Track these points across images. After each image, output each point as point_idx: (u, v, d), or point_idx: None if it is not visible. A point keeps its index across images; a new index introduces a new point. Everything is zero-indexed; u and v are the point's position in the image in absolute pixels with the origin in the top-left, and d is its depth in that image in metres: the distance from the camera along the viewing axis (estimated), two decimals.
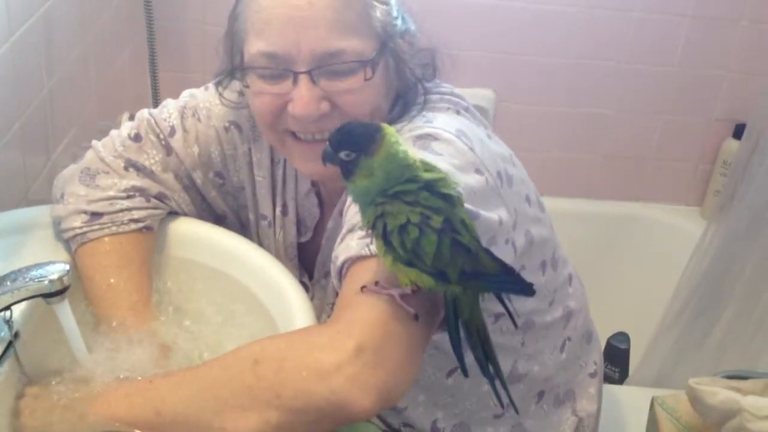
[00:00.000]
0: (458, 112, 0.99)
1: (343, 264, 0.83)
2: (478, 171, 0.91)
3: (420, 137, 0.91)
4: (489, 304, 0.99)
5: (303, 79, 0.90)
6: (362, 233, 0.82)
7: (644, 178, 2.01)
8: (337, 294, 1.06)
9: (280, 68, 0.91)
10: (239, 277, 1.03)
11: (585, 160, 1.99)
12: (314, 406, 0.74)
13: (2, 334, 0.86)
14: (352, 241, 0.82)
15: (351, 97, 0.92)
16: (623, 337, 1.75)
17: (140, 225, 1.02)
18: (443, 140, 0.91)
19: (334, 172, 0.99)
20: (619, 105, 1.93)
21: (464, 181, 0.88)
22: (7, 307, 0.85)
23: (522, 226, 0.99)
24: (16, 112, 1.17)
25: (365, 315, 0.77)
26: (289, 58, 0.90)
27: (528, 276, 1.02)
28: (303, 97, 0.91)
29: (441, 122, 0.94)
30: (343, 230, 0.86)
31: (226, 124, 1.08)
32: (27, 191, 1.25)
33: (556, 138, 1.95)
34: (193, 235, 1.07)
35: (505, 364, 1.07)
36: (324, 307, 1.10)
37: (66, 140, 1.39)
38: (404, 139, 0.91)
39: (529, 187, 1.05)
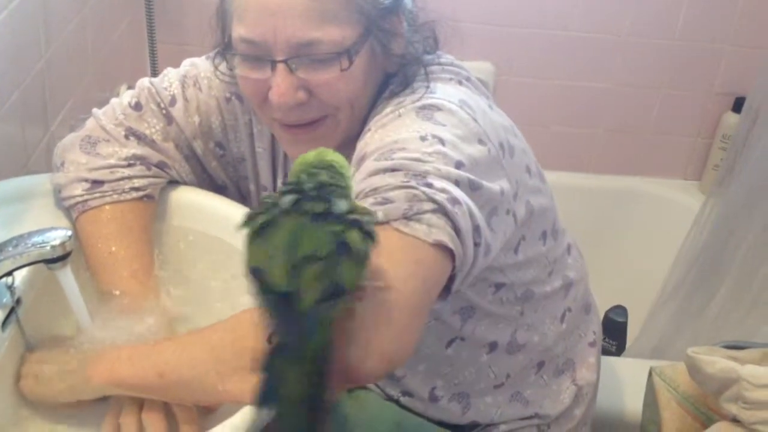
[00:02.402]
0: (460, 83, 0.99)
1: None
2: (480, 141, 0.91)
3: (423, 108, 0.91)
4: (489, 274, 1.00)
5: (280, 68, 0.90)
6: (371, 200, 0.82)
7: (643, 152, 2.01)
8: None
9: (258, 55, 0.91)
10: (239, 245, 1.03)
11: (584, 134, 1.99)
12: None
13: (4, 300, 0.87)
14: None
15: (328, 87, 0.91)
16: (621, 310, 1.76)
17: (141, 193, 1.02)
18: (446, 110, 0.91)
19: None
20: (618, 79, 1.93)
21: (467, 151, 0.88)
22: (9, 273, 0.85)
23: (523, 196, 0.99)
24: (13, 82, 1.16)
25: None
26: (266, 46, 0.90)
27: (529, 246, 1.03)
28: (279, 86, 0.90)
29: (443, 93, 0.94)
30: None
31: (228, 95, 1.07)
32: (26, 162, 1.25)
33: (555, 112, 1.95)
34: (194, 203, 1.07)
35: (504, 335, 1.07)
36: None
37: (64, 111, 1.38)
38: (407, 110, 0.91)
39: (530, 157, 1.05)
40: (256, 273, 0.66)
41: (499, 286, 1.03)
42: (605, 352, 1.64)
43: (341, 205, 0.68)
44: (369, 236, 0.68)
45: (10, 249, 0.83)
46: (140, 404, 0.81)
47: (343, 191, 0.70)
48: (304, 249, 0.65)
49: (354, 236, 0.67)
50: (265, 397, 0.64)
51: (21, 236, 0.85)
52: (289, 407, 0.63)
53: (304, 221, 0.66)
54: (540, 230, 1.06)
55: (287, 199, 0.67)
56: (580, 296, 1.16)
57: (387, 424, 1.07)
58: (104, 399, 0.82)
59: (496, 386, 1.10)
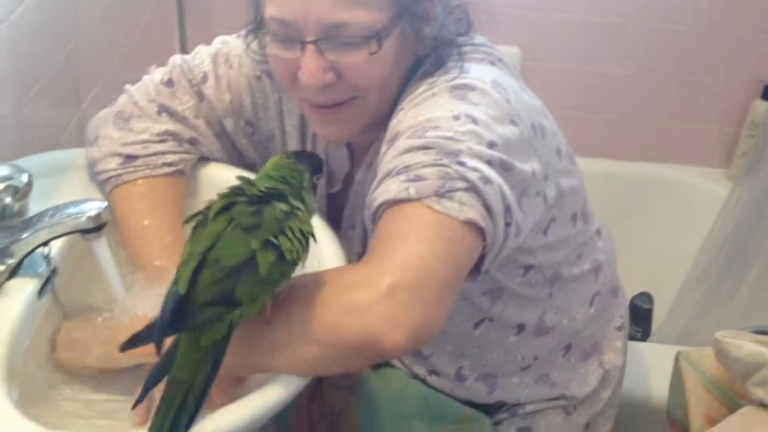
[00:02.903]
0: (493, 63, 0.99)
1: (379, 206, 0.83)
2: (513, 122, 0.91)
3: (456, 87, 0.91)
4: (518, 255, 1.00)
5: (309, 49, 0.90)
6: (403, 177, 0.82)
7: (670, 139, 1.99)
8: (363, 245, 1.08)
9: (289, 35, 0.91)
10: None
11: (611, 120, 1.98)
12: (347, 341, 0.75)
13: (41, 269, 0.88)
14: (392, 184, 0.83)
15: (356, 69, 0.91)
16: (646, 297, 1.75)
17: (173, 169, 1.03)
18: (479, 90, 0.91)
19: (353, 135, 1.01)
20: (643, 64, 1.91)
21: (500, 131, 0.88)
22: (45, 243, 0.86)
23: (553, 178, 0.99)
24: (46, 62, 1.18)
25: (400, 255, 0.78)
26: (297, 26, 0.90)
27: (559, 228, 1.03)
28: (308, 67, 0.90)
29: (477, 73, 0.94)
30: (380, 175, 0.87)
31: (258, 73, 1.08)
32: (58, 140, 1.27)
33: (581, 97, 1.94)
34: (224, 180, 1.05)
35: (532, 317, 1.07)
36: (350, 258, 1.11)
37: (95, 91, 1.39)
38: (440, 90, 0.91)
39: (560, 139, 1.05)
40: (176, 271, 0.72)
41: (528, 268, 1.03)
42: (630, 338, 1.63)
43: (271, 225, 0.72)
44: (285, 263, 0.72)
45: (47, 219, 0.84)
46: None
47: (299, 200, 0.76)
48: (215, 253, 0.70)
49: (267, 259, 0.70)
50: (152, 377, 0.71)
51: (57, 207, 0.86)
52: (177, 389, 0.68)
53: (230, 228, 0.71)
54: (570, 212, 1.05)
55: (217, 204, 0.73)
56: (608, 280, 1.16)
57: (413, 402, 1.07)
58: (137, 367, 0.83)
59: (523, 368, 1.10)
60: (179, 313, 0.69)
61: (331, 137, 1.02)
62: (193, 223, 0.75)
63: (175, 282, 0.71)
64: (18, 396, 0.76)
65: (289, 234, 0.73)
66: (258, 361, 0.77)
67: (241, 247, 0.70)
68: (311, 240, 0.76)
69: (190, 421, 0.69)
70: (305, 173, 0.80)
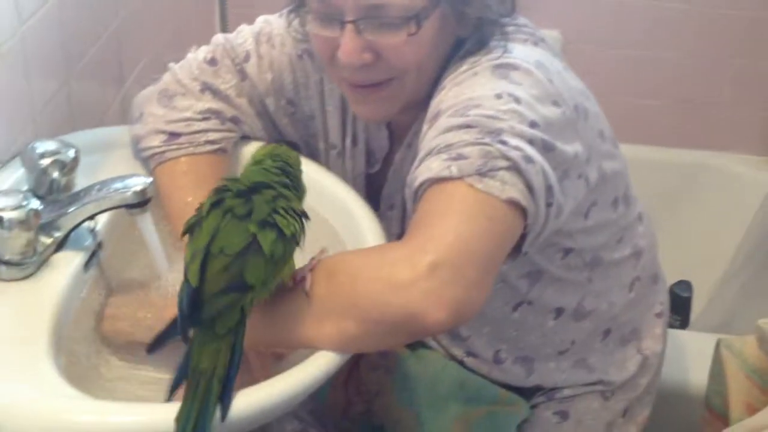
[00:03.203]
0: (536, 44, 0.98)
1: (420, 185, 0.83)
2: (555, 103, 0.90)
3: (499, 66, 0.91)
4: (558, 238, 1.00)
5: (348, 28, 0.90)
6: (445, 155, 0.82)
7: (713, 126, 1.96)
8: (401, 225, 1.08)
9: (329, 14, 0.91)
10: (310, 200, 1.03)
11: (653, 106, 1.95)
12: (389, 318, 0.75)
13: (87, 243, 0.90)
14: (434, 162, 0.83)
15: (394, 50, 0.91)
16: (686, 285, 1.73)
17: (215, 147, 1.04)
18: (522, 70, 0.90)
19: (391, 115, 1.01)
20: (688, 49, 1.88)
21: (542, 112, 0.87)
22: (92, 217, 0.88)
23: (595, 161, 0.98)
24: (90, 40, 1.19)
25: (442, 233, 0.78)
26: (337, 5, 0.90)
27: (600, 212, 1.02)
28: (346, 46, 0.90)
29: (520, 53, 0.93)
30: (421, 154, 0.87)
31: (300, 52, 1.08)
32: (101, 119, 1.28)
33: (622, 82, 1.92)
34: None
35: (571, 301, 1.07)
36: (389, 238, 1.11)
37: (137, 70, 1.41)
38: (482, 69, 0.91)
39: (603, 122, 1.04)
40: (184, 272, 0.73)
41: (567, 251, 1.03)
42: (669, 326, 1.62)
43: (263, 209, 0.75)
44: (286, 239, 0.74)
45: (93, 193, 0.86)
46: None
47: (285, 187, 0.78)
48: (217, 244, 0.72)
49: (267, 237, 0.73)
50: (180, 369, 0.73)
51: (104, 182, 0.87)
52: (199, 378, 0.70)
53: (226, 220, 0.74)
54: (612, 196, 1.04)
55: (206, 203, 0.76)
56: (648, 266, 1.15)
57: (450, 383, 1.07)
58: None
59: (560, 352, 1.10)
60: (195, 305, 0.71)
61: (369, 117, 1.02)
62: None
63: (186, 278, 0.73)
64: (64, 365, 0.77)
65: (282, 212, 0.75)
66: (297, 336, 0.78)
67: (241, 233, 0.73)
68: (306, 220, 0.79)
69: (226, 407, 0.70)
70: (288, 157, 0.83)
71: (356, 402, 1.12)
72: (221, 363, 0.70)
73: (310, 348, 0.78)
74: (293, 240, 0.76)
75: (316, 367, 0.76)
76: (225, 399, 0.70)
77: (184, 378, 0.72)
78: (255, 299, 0.73)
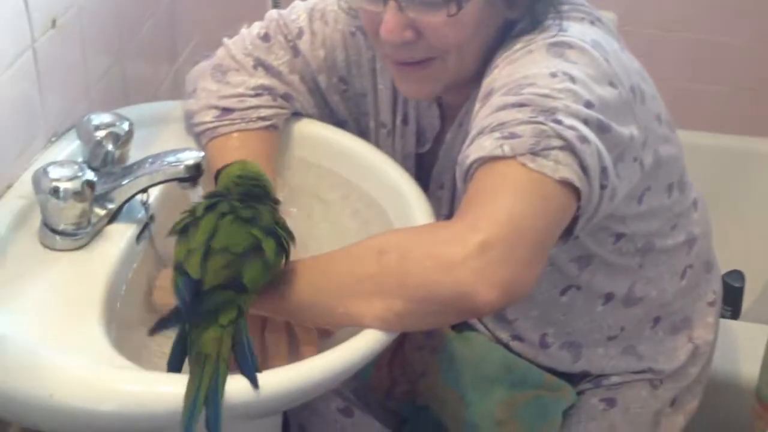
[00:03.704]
0: (592, 23, 0.96)
1: (472, 164, 0.83)
2: (611, 84, 0.88)
3: (555, 44, 0.89)
4: (610, 223, 0.98)
5: (390, 5, 0.89)
6: (497, 134, 0.81)
7: None
8: (451, 206, 1.07)
9: None
10: (359, 179, 1.05)
11: (709, 92, 1.91)
12: (438, 297, 0.75)
13: (139, 215, 0.91)
14: (486, 141, 0.82)
15: (434, 30, 0.90)
16: (738, 275, 1.68)
17: (267, 123, 1.04)
18: (578, 49, 0.88)
19: (434, 95, 1.00)
20: (748, 34, 1.83)
21: (598, 92, 0.85)
22: (144, 190, 0.88)
23: (651, 145, 0.96)
24: (143, 17, 1.20)
25: (493, 212, 0.77)
26: None
27: (654, 197, 1.00)
28: (388, 23, 0.90)
29: (576, 31, 0.92)
30: (473, 132, 0.86)
31: (353, 29, 1.08)
32: (154, 95, 1.30)
33: (679, 66, 1.87)
34: (317, 136, 1.08)
35: (621, 286, 1.05)
36: (437, 218, 1.10)
37: (189, 48, 1.42)
38: (537, 47, 0.89)
39: (660, 105, 1.01)
40: (178, 267, 0.76)
41: (619, 236, 1.01)
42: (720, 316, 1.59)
43: (266, 217, 0.80)
44: (283, 249, 0.79)
45: (146, 166, 0.87)
46: (263, 322, 0.84)
47: (268, 199, 0.83)
48: (219, 242, 0.76)
49: (270, 245, 0.77)
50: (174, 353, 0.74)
51: (157, 155, 0.88)
52: (204, 361, 0.71)
53: (224, 221, 0.78)
54: (666, 181, 1.02)
55: (200, 205, 0.79)
56: (702, 253, 1.12)
57: (495, 366, 1.07)
58: None
59: (609, 338, 1.08)
60: (196, 297, 0.74)
61: (413, 95, 1.02)
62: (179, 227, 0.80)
63: (183, 272, 0.75)
64: (115, 335, 0.78)
65: (281, 224, 0.80)
66: (343, 313, 0.78)
67: (245, 236, 0.77)
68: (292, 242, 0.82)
69: (253, 380, 0.71)
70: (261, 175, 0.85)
71: (400, 382, 1.12)
72: (225, 348, 0.72)
73: (356, 326, 0.78)
74: (285, 254, 0.79)
75: (362, 344, 0.76)
76: (247, 373, 0.71)
77: (179, 362, 0.74)
78: (251, 299, 0.76)
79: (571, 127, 0.81)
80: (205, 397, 0.68)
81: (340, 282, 0.79)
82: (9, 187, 0.88)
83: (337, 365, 0.74)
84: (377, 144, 1.13)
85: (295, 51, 1.07)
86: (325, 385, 0.74)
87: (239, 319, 0.74)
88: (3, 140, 0.85)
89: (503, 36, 0.95)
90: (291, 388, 0.71)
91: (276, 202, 0.85)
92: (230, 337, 0.73)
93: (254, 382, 0.70)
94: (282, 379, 0.71)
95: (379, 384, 1.13)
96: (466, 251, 0.74)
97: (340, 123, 1.14)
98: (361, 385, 1.10)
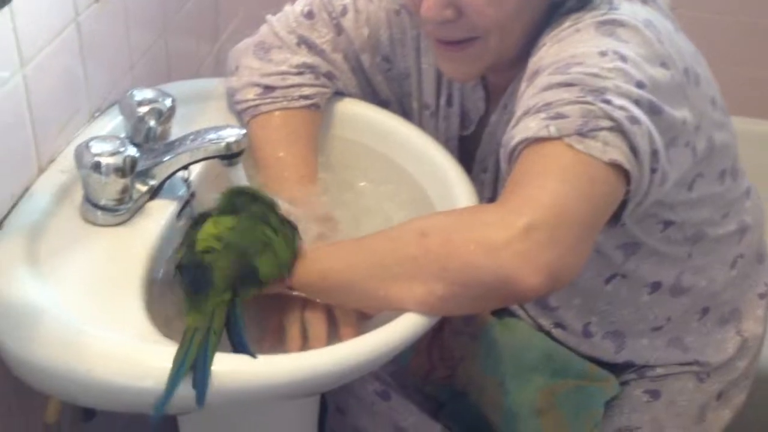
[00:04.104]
0: (644, 2, 0.93)
1: (517, 145, 0.81)
2: (664, 65, 0.85)
3: (604, 23, 0.86)
4: (659, 210, 0.95)
5: None
6: (543, 114, 0.79)
7: None
8: (494, 189, 1.05)
9: None
10: (402, 160, 1.04)
11: (764, 78, 1.85)
12: (480, 281, 0.73)
13: (181, 192, 0.90)
14: (532, 122, 0.79)
15: (474, 9, 0.88)
16: None
17: (309, 102, 1.02)
18: (630, 27, 0.85)
19: (475, 76, 0.98)
20: None
21: (650, 72, 0.83)
22: (186, 167, 0.88)
23: (705, 130, 0.92)
24: None
25: (538, 195, 0.75)
26: None
27: (705, 184, 0.97)
28: (428, 0, 0.88)
29: (628, 9, 0.89)
30: (518, 113, 0.84)
31: (397, 7, 1.06)
32: (196, 73, 1.29)
33: (735, 51, 1.81)
34: (359, 116, 1.07)
35: (669, 275, 1.02)
36: (480, 202, 1.08)
37: (232, 26, 1.41)
38: (586, 25, 0.87)
39: (714, 89, 0.98)
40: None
41: (668, 224, 0.98)
42: None
43: (274, 218, 0.82)
44: (291, 248, 0.81)
45: (188, 143, 0.86)
46: (303, 303, 0.83)
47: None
48: (239, 237, 0.78)
49: (280, 245, 0.79)
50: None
51: (198, 132, 0.87)
52: (194, 331, 0.73)
53: (243, 217, 0.80)
54: (719, 168, 0.99)
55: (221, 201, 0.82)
56: (754, 243, 1.09)
57: (536, 354, 1.05)
58: (271, 295, 0.83)
59: (654, 328, 1.05)
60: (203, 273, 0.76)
61: (454, 75, 0.99)
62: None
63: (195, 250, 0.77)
64: (154, 312, 0.78)
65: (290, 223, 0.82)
66: (383, 296, 0.77)
67: (261, 233, 0.79)
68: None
69: (247, 352, 0.73)
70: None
71: (439, 367, 1.11)
72: (217, 322, 0.73)
73: (395, 309, 0.77)
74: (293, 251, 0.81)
75: (402, 328, 0.75)
76: (239, 347, 0.73)
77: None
78: (246, 294, 0.77)
79: (621, 108, 0.79)
80: (194, 362, 0.69)
81: (381, 264, 0.77)
82: (52, 161, 0.88)
83: (376, 349, 0.73)
84: (420, 125, 1.12)
85: (339, 29, 1.06)
86: (363, 368, 0.74)
87: (235, 298, 0.75)
88: (46, 114, 0.85)
89: (550, 15, 0.92)
90: (328, 370, 0.70)
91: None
92: (224, 314, 0.74)
93: (248, 353, 0.72)
94: (319, 361, 0.70)
95: (418, 368, 1.12)
96: (509, 234, 0.72)
97: (382, 103, 1.12)
98: (400, 369, 1.09)
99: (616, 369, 1.07)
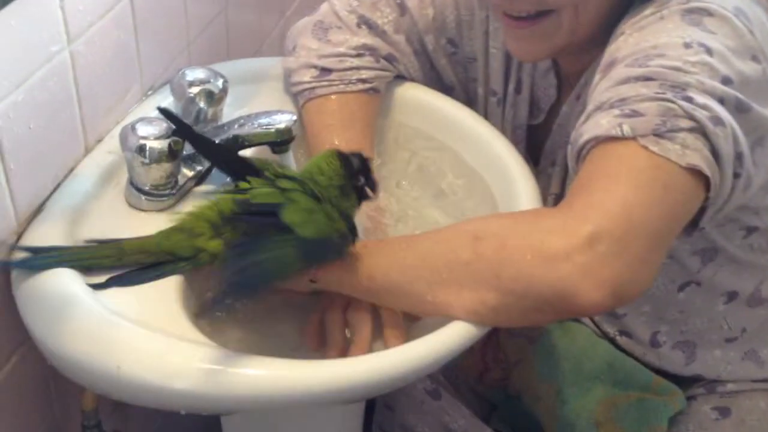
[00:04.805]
0: None
1: (585, 143, 0.75)
2: (755, 58, 0.78)
3: (691, 11, 0.79)
4: (742, 214, 0.88)
5: None
6: (617, 111, 0.72)
7: None
8: (562, 184, 0.99)
9: None
10: (462, 150, 0.99)
11: None
12: (536, 292, 0.68)
13: (228, 178, 0.87)
14: (603, 119, 0.73)
15: None
16: None
17: (367, 86, 0.98)
18: (719, 17, 0.78)
19: (544, 56, 0.92)
20: None
21: (738, 66, 0.76)
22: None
23: None
24: None
25: (605, 200, 0.69)
26: None
27: None
28: None
29: None
30: (589, 107, 0.77)
31: None
32: (259, 48, 1.26)
33: None
34: (420, 101, 1.02)
35: (747, 285, 0.95)
36: (546, 197, 1.02)
37: (298, 1, 1.38)
38: (671, 12, 0.80)
39: None
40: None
41: (751, 230, 0.91)
42: None
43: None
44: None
45: (236, 127, 0.83)
46: (348, 302, 0.79)
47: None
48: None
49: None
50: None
51: (248, 116, 0.84)
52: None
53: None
54: None
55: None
56: None
57: (597, 362, 0.99)
58: (315, 294, 0.80)
59: (728, 339, 0.98)
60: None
61: (521, 54, 0.93)
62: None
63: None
64: (195, 310, 0.75)
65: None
66: (431, 301, 0.72)
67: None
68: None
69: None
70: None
71: (493, 368, 1.07)
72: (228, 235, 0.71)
73: (443, 315, 0.72)
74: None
75: (449, 338, 0.70)
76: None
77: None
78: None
79: (704, 107, 0.72)
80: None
81: (431, 267, 0.73)
82: (99, 140, 0.86)
83: (420, 360, 0.68)
84: (486, 113, 1.06)
85: (402, 9, 1.00)
86: (404, 380, 0.70)
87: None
88: (95, 92, 0.83)
89: (630, 0, 0.85)
90: (367, 381, 0.66)
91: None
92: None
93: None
94: (358, 370, 0.66)
95: (471, 368, 1.08)
96: (571, 244, 0.66)
97: (446, 89, 1.07)
98: (452, 367, 1.05)
99: (683, 382, 1.00)
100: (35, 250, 0.73)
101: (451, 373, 1.06)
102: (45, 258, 0.72)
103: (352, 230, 0.75)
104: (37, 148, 0.75)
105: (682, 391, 0.99)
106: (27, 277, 0.71)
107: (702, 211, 0.75)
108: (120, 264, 0.73)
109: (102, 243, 0.75)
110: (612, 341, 1.00)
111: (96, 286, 0.71)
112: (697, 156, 0.71)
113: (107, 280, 0.72)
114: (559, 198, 1.00)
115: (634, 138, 0.71)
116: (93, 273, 0.72)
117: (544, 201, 1.02)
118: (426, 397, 1.03)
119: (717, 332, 0.98)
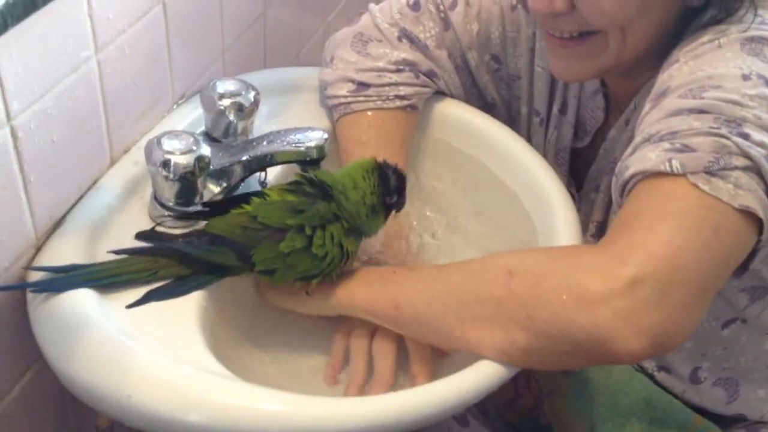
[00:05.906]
0: None
1: (631, 177, 0.71)
2: None
3: (751, 39, 0.75)
4: None
5: None
6: (667, 144, 0.68)
7: None
8: (606, 212, 0.95)
9: None
10: (502, 173, 0.95)
11: None
12: (570, 336, 0.64)
13: None
14: (652, 152, 0.69)
15: (590, 3, 0.79)
16: None
17: (405, 102, 0.95)
18: None
19: (588, 77, 0.89)
20: None
21: None
22: (263, 168, 0.82)
23: None
24: None
25: (649, 241, 0.65)
26: None
27: None
28: None
29: None
30: (637, 138, 0.73)
31: (514, 2, 0.96)
32: (299, 52, 1.23)
33: None
34: (460, 119, 0.98)
35: None
36: (588, 224, 0.98)
37: (342, 2, 1.35)
38: (729, 41, 0.76)
39: None
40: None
41: None
42: None
43: (313, 217, 0.74)
44: (309, 256, 0.73)
45: (265, 143, 0.80)
46: (374, 330, 0.76)
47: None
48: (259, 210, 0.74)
49: (293, 241, 0.72)
50: None
51: (278, 132, 0.82)
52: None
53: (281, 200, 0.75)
54: None
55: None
56: None
57: (634, 398, 0.95)
58: (344, 318, 0.77)
59: None
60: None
61: (564, 75, 0.90)
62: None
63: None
64: (214, 337, 0.72)
65: (327, 235, 0.72)
66: (459, 336, 0.69)
67: (281, 217, 0.72)
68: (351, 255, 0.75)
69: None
70: (374, 194, 0.76)
71: (525, 396, 1.02)
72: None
73: (472, 353, 0.69)
74: (319, 260, 0.73)
75: (477, 378, 0.67)
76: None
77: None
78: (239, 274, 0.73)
79: (761, 144, 0.68)
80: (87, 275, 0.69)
81: (460, 301, 0.69)
82: (126, 151, 0.83)
83: (444, 401, 0.66)
84: (528, 133, 1.02)
85: (446, 23, 0.97)
86: (427, 421, 0.66)
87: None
88: (123, 101, 0.81)
89: (685, 24, 0.82)
90: (386, 422, 0.63)
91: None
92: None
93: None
94: (377, 411, 0.63)
95: (501, 394, 1.03)
96: (610, 287, 0.62)
97: (487, 106, 1.03)
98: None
99: (723, 422, 0.96)
100: (56, 270, 0.70)
101: (480, 400, 1.03)
102: (72, 277, 0.69)
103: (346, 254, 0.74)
104: (59, 159, 0.73)
105: None
106: (42, 293, 0.69)
107: (753, 253, 0.71)
108: (154, 278, 0.71)
109: (133, 253, 0.73)
110: (650, 376, 0.96)
111: (132, 305, 0.69)
112: (750, 197, 0.67)
113: (145, 295, 0.70)
114: (601, 225, 0.96)
115: (683, 175, 0.67)
116: (114, 289, 0.70)
117: (586, 228, 0.98)
118: (453, 423, 1.00)
119: (762, 371, 0.94)
